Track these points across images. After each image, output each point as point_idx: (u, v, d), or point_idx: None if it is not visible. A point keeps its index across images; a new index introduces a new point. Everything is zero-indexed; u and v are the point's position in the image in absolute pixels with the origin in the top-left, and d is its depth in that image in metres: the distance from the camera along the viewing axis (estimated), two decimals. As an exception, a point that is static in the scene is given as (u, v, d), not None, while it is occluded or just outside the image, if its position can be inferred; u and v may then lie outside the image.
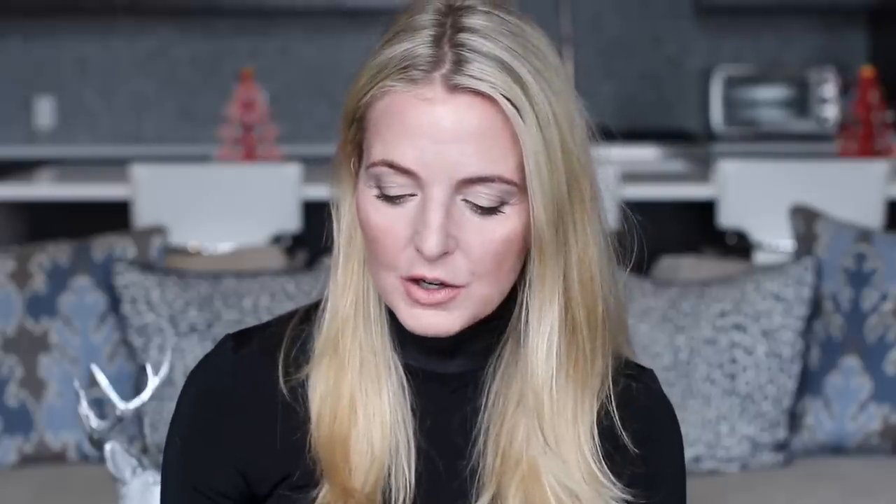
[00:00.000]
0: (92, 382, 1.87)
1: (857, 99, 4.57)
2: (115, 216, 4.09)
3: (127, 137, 6.18)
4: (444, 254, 1.20)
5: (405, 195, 1.21)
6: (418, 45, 1.21)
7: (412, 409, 1.29)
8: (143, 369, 1.86)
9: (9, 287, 2.76)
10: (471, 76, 1.19)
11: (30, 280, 2.76)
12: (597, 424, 1.28)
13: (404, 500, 1.27)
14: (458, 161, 1.19)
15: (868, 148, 4.51)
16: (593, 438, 1.27)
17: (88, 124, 6.20)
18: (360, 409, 1.27)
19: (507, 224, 1.21)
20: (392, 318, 1.28)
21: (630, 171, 4.28)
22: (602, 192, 1.27)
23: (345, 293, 1.29)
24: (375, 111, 1.22)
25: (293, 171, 4.05)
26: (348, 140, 1.27)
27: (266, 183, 4.08)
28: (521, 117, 1.19)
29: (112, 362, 2.73)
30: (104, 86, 6.20)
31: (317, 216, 3.93)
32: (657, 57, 6.30)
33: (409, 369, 1.29)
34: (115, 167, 4.53)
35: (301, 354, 1.31)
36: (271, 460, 1.30)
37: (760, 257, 4.00)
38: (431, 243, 1.19)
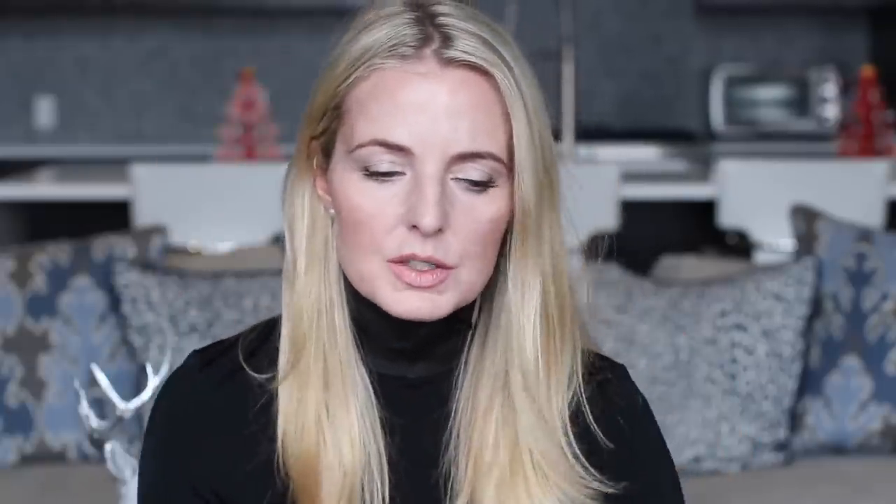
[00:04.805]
0: (92, 382, 1.87)
1: (858, 99, 4.57)
2: (115, 216, 4.08)
3: (127, 137, 6.18)
4: (438, 231, 1.18)
5: (395, 172, 1.19)
6: (401, 26, 1.20)
7: (381, 421, 1.25)
8: (143, 369, 1.86)
9: (9, 287, 2.75)
10: (463, 51, 1.19)
11: (30, 280, 2.76)
12: (572, 426, 1.25)
13: None
14: (452, 136, 1.18)
15: (868, 148, 4.51)
16: (567, 433, 1.25)
17: (88, 124, 6.20)
18: (326, 424, 1.23)
19: (493, 205, 1.20)
20: (357, 326, 1.25)
21: (630, 170, 4.27)
22: (564, 195, 1.26)
23: (307, 303, 1.24)
24: (360, 92, 1.21)
25: (293, 170, 4.05)
26: (316, 135, 1.24)
27: (266, 183, 4.04)
28: (510, 93, 1.19)
29: (112, 362, 2.72)
30: (104, 85, 6.20)
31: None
32: (657, 57, 6.30)
33: (374, 378, 1.25)
34: (115, 167, 4.53)
35: (268, 370, 1.26)
36: (243, 482, 1.25)
37: (761, 257, 3.99)
38: (430, 217, 1.17)
